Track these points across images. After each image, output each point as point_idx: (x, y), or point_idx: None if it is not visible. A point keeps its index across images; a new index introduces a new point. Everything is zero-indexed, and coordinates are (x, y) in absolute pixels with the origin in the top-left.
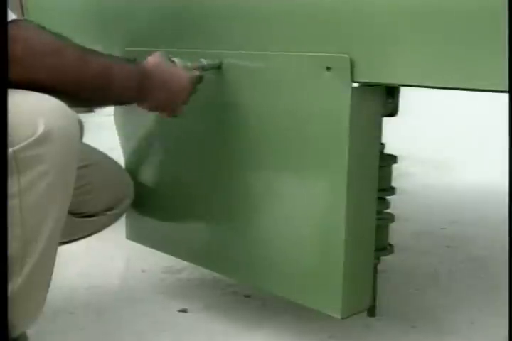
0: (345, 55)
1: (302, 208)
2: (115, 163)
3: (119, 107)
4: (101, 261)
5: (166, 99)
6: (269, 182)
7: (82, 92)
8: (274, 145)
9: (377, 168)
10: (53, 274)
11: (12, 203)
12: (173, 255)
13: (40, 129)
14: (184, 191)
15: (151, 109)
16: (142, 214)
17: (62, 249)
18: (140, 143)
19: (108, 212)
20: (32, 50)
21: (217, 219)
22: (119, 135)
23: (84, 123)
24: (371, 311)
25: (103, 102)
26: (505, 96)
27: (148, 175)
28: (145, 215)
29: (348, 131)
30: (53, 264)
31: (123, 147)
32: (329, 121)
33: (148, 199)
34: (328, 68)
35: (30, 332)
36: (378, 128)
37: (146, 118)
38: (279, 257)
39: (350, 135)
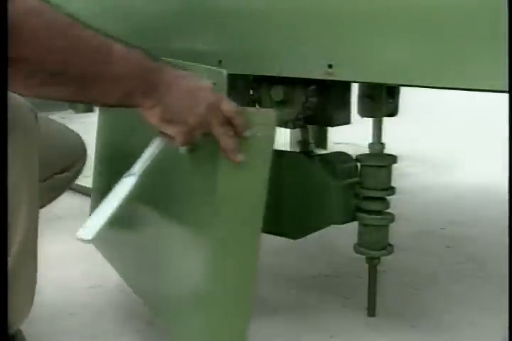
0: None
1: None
2: (59, 124)
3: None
4: (101, 261)
5: (179, 105)
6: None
7: (71, 68)
8: None
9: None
10: (53, 275)
11: None
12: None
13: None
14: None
15: (163, 117)
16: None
17: (62, 250)
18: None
19: (57, 175)
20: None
21: (139, 253)
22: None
23: (83, 123)
24: (371, 311)
25: (96, 90)
26: (505, 96)
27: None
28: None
29: None
30: (36, 253)
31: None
32: None
33: None
34: None
35: (29, 332)
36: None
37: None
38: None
39: None
